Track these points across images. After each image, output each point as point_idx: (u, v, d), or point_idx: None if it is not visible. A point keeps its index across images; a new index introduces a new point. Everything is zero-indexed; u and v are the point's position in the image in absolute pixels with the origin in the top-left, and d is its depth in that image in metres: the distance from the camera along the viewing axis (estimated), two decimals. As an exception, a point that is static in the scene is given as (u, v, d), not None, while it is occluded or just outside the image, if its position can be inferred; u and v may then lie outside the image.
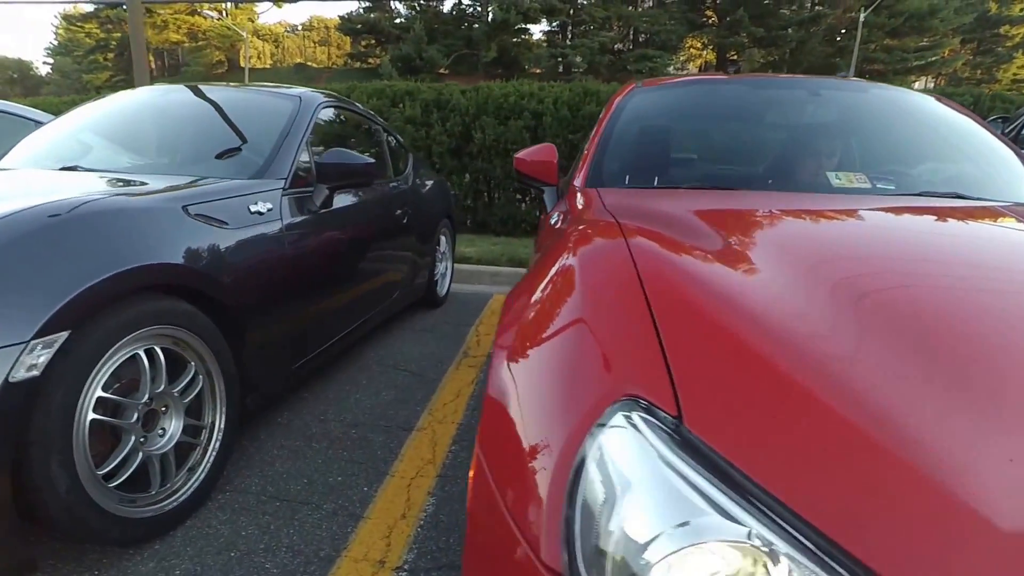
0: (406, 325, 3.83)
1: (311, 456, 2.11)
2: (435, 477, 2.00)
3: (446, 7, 42.34)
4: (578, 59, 33.83)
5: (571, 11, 34.58)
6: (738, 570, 0.52)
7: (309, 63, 63.73)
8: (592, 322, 0.84)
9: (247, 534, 1.66)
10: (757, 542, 0.52)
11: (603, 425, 0.65)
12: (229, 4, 48.66)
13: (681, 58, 43.68)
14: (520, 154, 2.26)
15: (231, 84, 3.31)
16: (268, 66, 61.82)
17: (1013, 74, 42.65)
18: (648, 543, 0.54)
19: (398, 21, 39.82)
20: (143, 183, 1.93)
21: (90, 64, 43.61)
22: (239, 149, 2.46)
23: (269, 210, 2.16)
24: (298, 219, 2.32)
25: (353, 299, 2.87)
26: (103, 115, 2.85)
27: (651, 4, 38.49)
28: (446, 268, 4.62)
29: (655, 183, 1.85)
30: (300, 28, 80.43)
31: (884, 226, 1.35)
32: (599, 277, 0.98)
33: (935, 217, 1.42)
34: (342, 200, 2.70)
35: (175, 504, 1.65)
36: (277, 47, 74.74)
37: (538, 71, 37.51)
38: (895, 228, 1.36)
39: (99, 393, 1.42)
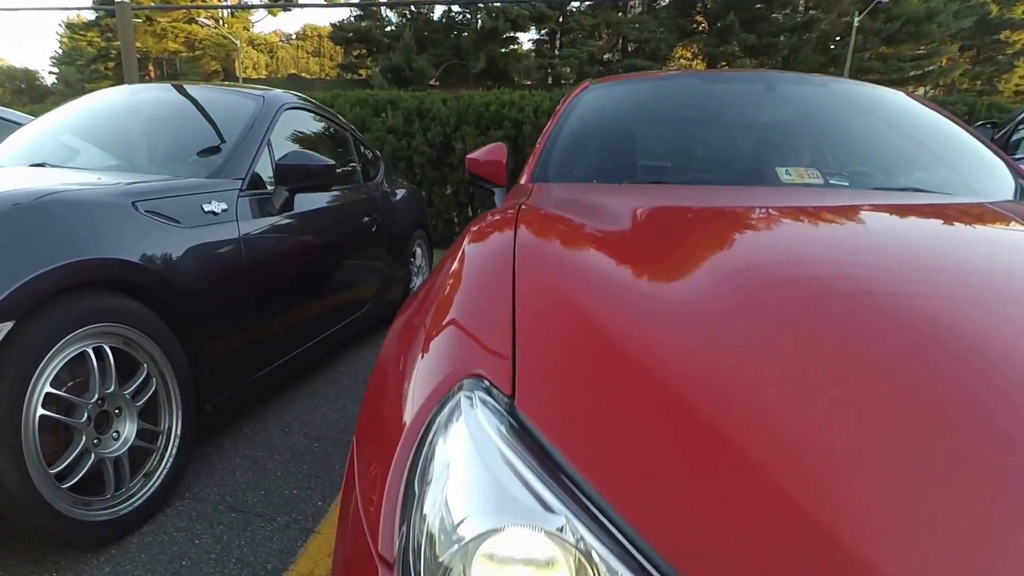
0: (377, 339, 3.87)
1: (271, 468, 2.17)
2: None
3: (436, 14, 42.89)
4: (567, 69, 34.07)
5: (559, 19, 34.85)
6: (545, 559, 0.52)
7: (302, 73, 64.13)
8: (459, 304, 0.86)
9: (200, 543, 1.72)
10: (568, 535, 0.51)
11: (443, 405, 0.65)
12: (225, 12, 49.09)
13: (672, 68, 44.19)
14: (472, 154, 2.26)
15: (201, 84, 3.38)
16: (263, 76, 62.14)
17: (1015, 85, 41.81)
18: (457, 525, 0.54)
19: (388, 29, 40.12)
20: (99, 180, 1.97)
21: (92, 73, 43.70)
22: (217, 149, 2.52)
23: (224, 211, 2.19)
24: (255, 222, 2.36)
25: (318, 309, 2.92)
26: (77, 114, 2.93)
27: (641, 11, 38.80)
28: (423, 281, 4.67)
29: (596, 179, 1.88)
30: (294, 37, 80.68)
31: (806, 222, 1.29)
32: (475, 261, 0.99)
33: (867, 214, 1.38)
34: (304, 204, 2.73)
35: (130, 509, 1.71)
36: (272, 57, 74.98)
37: (528, 82, 37.79)
38: (816, 224, 1.29)
39: (48, 389, 1.48)
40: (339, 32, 42.30)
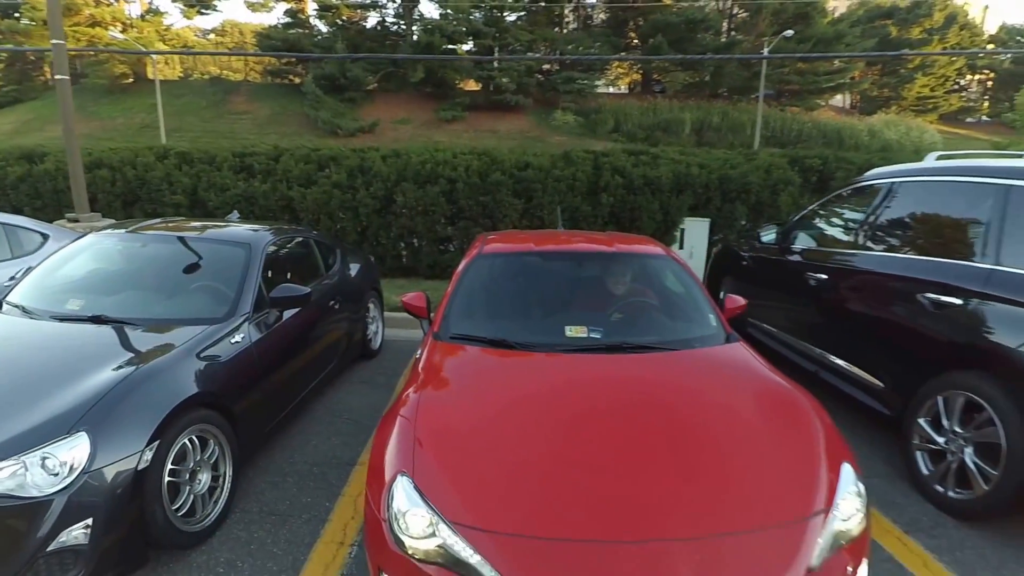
0: (347, 378, 5.21)
1: (287, 486, 3.44)
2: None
3: (369, 23, 43.59)
4: (506, 80, 35.51)
5: (496, 34, 36.24)
6: (422, 524, 1.93)
7: (225, 74, 62.95)
8: (397, 424, 2.32)
9: (257, 535, 2.98)
10: (423, 511, 1.96)
11: (395, 477, 2.09)
12: (134, 16, 48.15)
13: (610, 77, 46.37)
14: (405, 297, 3.75)
15: (192, 228, 4.53)
16: (179, 77, 60.46)
17: (916, 93, 47.19)
18: (405, 512, 1.97)
19: (319, 39, 40.50)
20: (167, 343, 3.12)
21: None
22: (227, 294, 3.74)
23: (243, 338, 3.49)
24: (261, 335, 3.66)
25: (304, 371, 4.21)
26: (97, 265, 4.08)
27: (576, 27, 40.75)
28: (377, 327, 6.00)
29: (465, 333, 3.17)
30: (212, 34, 78.58)
31: (569, 364, 2.88)
32: (405, 400, 2.51)
33: (598, 361, 2.93)
34: (289, 312, 4.03)
35: (211, 521, 2.95)
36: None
37: (474, 87, 39.07)
38: (567, 368, 2.86)
39: (170, 466, 2.71)
40: (266, 40, 42.43)
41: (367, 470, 2.31)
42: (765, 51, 30.07)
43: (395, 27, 42.71)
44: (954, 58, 47.30)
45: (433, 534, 1.90)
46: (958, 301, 3.40)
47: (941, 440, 3.38)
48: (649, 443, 2.28)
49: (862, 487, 2.16)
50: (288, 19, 43.13)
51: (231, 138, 36.38)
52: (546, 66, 39.55)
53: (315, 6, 41.68)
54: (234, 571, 2.72)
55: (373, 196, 8.75)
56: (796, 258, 5.15)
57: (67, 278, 3.94)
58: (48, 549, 2.25)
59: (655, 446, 2.27)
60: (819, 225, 5.20)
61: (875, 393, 4.00)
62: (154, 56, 42.53)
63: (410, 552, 1.91)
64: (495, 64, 37.59)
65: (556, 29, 39.42)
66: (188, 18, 48.60)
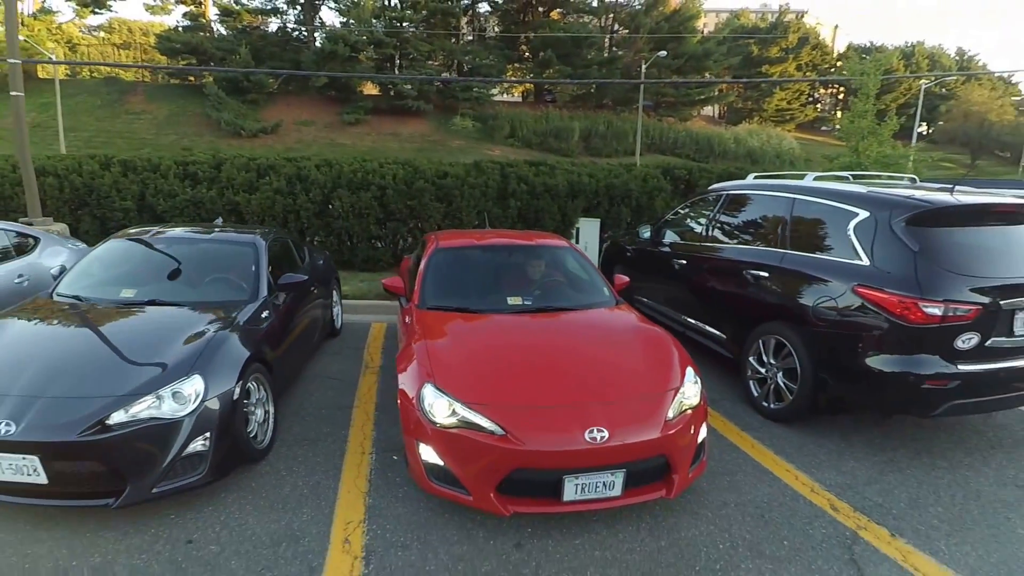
0: (322, 351, 6.24)
1: (309, 423, 4.49)
2: (372, 423, 4.50)
3: (271, 28, 42.94)
4: (408, 87, 36.29)
5: (397, 43, 36.90)
6: (458, 420, 3.13)
7: (115, 72, 59.47)
8: (416, 357, 3.53)
9: (299, 453, 4.04)
10: (445, 398, 3.19)
11: (426, 384, 3.31)
12: (26, 14, 45.07)
13: (504, 86, 48.02)
14: (385, 281, 4.94)
15: (202, 231, 5.46)
16: (65, 75, 56.54)
17: (776, 105, 52.03)
18: (432, 404, 3.20)
19: (221, 43, 39.53)
20: (222, 316, 4.11)
21: None
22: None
23: (267, 314, 4.49)
24: (277, 311, 4.67)
25: (302, 340, 5.26)
26: (133, 262, 4.96)
27: (472, 39, 42.05)
28: (338, 310, 7.03)
29: (439, 304, 4.40)
30: (99, 31, 73.59)
31: (515, 321, 4.18)
32: (414, 345, 3.70)
33: (540, 318, 4.26)
34: (289, 294, 5.05)
35: (267, 444, 3.99)
36: (73, 52, 68.10)
37: (375, 92, 39.43)
38: (518, 321, 4.18)
39: (244, 403, 3.75)
40: (167, 43, 40.93)
41: (399, 392, 3.47)
42: (643, 67, 32.45)
43: (295, 32, 42.41)
44: (807, 73, 52.50)
45: (453, 412, 3.12)
46: (766, 274, 4.96)
47: (763, 371, 4.90)
48: (572, 358, 3.69)
49: (699, 380, 3.57)
50: (188, 22, 41.84)
51: (129, 138, 35.16)
52: (445, 73, 40.68)
53: (216, 11, 40.73)
54: (292, 475, 3.77)
55: (312, 201, 9.63)
56: (665, 249, 6.65)
57: (108, 274, 4.77)
58: (183, 454, 3.23)
59: (576, 359, 3.68)
60: (679, 224, 6.72)
61: (721, 343, 5.51)
62: (51, 57, 40.17)
63: (439, 425, 3.11)
64: (396, 71, 38.26)
65: (453, 40, 40.51)
66: (82, 17, 46.00)
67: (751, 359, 5.03)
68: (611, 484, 3.07)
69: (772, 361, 4.81)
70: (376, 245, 10.01)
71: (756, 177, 6.07)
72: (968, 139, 51.68)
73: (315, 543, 3.10)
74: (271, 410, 4.13)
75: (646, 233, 7.09)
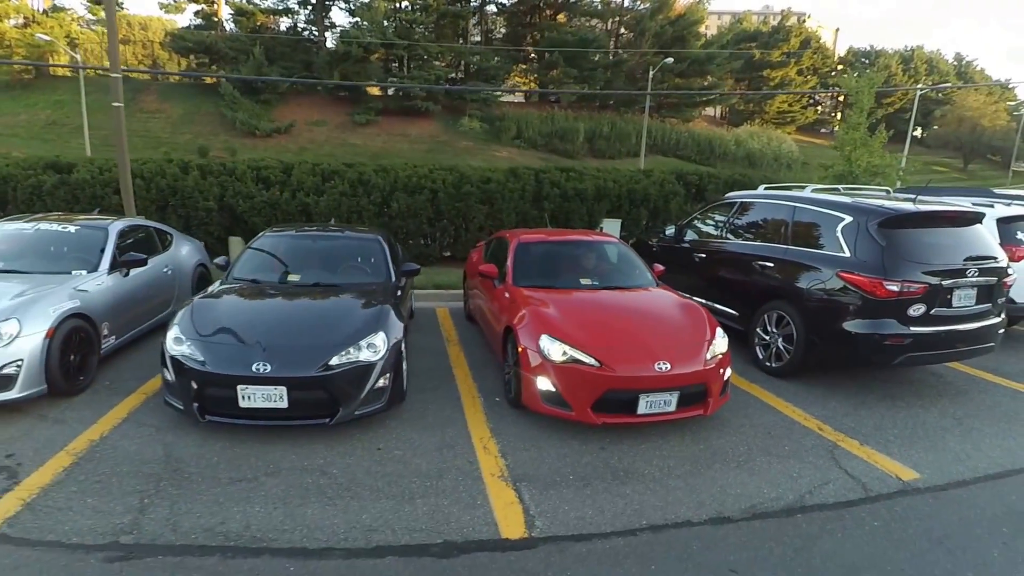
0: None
1: (424, 379, 5.94)
2: (471, 378, 6.01)
3: (282, 27, 44.42)
4: (415, 84, 37.79)
5: (407, 45, 38.39)
6: (560, 351, 4.67)
7: (130, 72, 60.66)
8: (528, 318, 5.09)
9: (425, 397, 5.54)
10: (560, 346, 4.71)
11: (542, 335, 4.83)
12: (39, 10, 46.37)
13: (509, 86, 49.59)
14: (481, 267, 6.44)
15: (334, 228, 6.97)
16: (71, 74, 57.64)
17: (777, 107, 53.75)
18: (549, 348, 4.72)
19: (232, 38, 40.92)
20: (378, 292, 5.61)
21: None
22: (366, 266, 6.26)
23: (400, 293, 6.02)
24: (401, 291, 6.20)
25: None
26: (287, 252, 6.39)
27: (479, 40, 43.57)
28: (411, 296, 8.49)
29: (530, 283, 5.92)
30: (98, 26, 74.44)
31: (591, 294, 5.76)
32: (518, 306, 5.28)
33: (607, 293, 5.83)
34: (406, 280, 6.53)
35: (406, 388, 5.49)
36: (72, 47, 69.07)
37: (388, 93, 40.89)
38: (593, 295, 5.76)
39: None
40: (180, 41, 42.41)
41: (521, 353, 4.93)
42: (650, 72, 34.00)
43: (305, 32, 43.88)
44: (808, 77, 54.24)
45: (564, 353, 4.63)
46: (771, 264, 6.51)
47: (767, 338, 6.45)
48: (637, 318, 5.33)
49: (724, 335, 5.11)
50: (200, 21, 43.27)
51: (145, 137, 36.51)
52: (452, 75, 42.20)
53: (229, 11, 42.18)
54: (428, 410, 5.24)
55: (372, 203, 11.16)
56: (686, 245, 8.19)
57: (269, 262, 6.24)
58: (374, 388, 4.69)
59: (640, 319, 5.32)
60: (699, 225, 8.26)
61: (734, 319, 7.03)
62: (77, 59, 41.52)
63: (554, 362, 4.63)
64: (406, 73, 39.74)
65: (461, 42, 42.04)
66: (93, 15, 47.32)
67: (758, 330, 6.58)
68: (669, 402, 4.61)
69: (774, 330, 6.36)
70: (427, 242, 11.52)
71: (765, 187, 7.65)
72: (961, 144, 53.58)
73: (464, 448, 4.59)
74: (405, 366, 5.62)
75: (670, 231, 8.64)
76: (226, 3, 43.38)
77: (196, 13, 43.55)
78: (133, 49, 69.72)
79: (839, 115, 63.05)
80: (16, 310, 4.87)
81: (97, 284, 5.85)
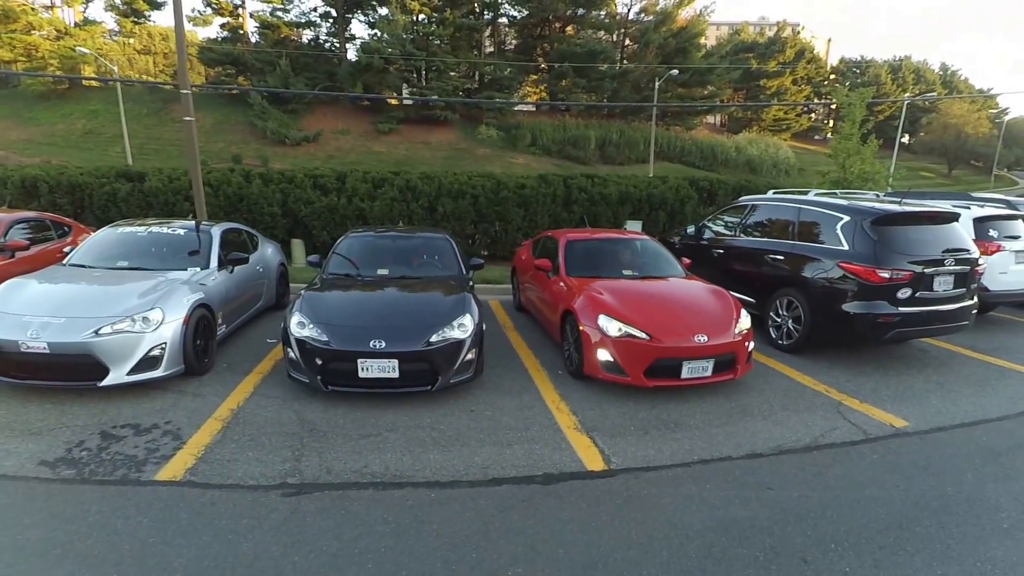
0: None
1: (492, 357, 6.78)
2: (534, 356, 6.93)
3: (305, 39, 45.35)
4: (435, 96, 38.73)
5: (425, 56, 39.33)
6: (621, 332, 5.58)
7: (142, 76, 61.61)
8: (586, 302, 6.00)
9: (500, 371, 6.49)
10: (617, 324, 5.62)
11: (600, 315, 5.76)
12: (71, 23, 47.33)
13: (519, 95, 50.55)
14: (537, 261, 7.41)
15: (406, 230, 7.88)
16: (98, 84, 58.54)
17: (773, 115, 54.69)
18: (607, 326, 5.66)
19: (258, 51, 41.80)
20: (457, 284, 6.59)
21: None
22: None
23: (471, 284, 6.94)
24: (471, 283, 7.10)
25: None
26: (369, 250, 7.27)
27: (492, 51, 44.49)
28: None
29: (580, 274, 6.87)
30: (120, 35, 75.08)
31: (634, 282, 6.67)
32: (575, 293, 6.20)
33: (644, 281, 6.78)
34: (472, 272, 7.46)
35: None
36: (95, 58, 69.66)
37: (409, 102, 41.83)
38: (636, 283, 6.67)
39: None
40: (208, 53, 43.39)
41: (581, 331, 5.83)
42: (656, 84, 34.91)
43: (327, 43, 44.84)
44: (803, 86, 55.15)
45: (620, 329, 5.54)
46: (781, 257, 7.43)
47: (779, 320, 7.37)
48: (676, 300, 6.24)
49: (748, 315, 6.02)
50: (227, 33, 44.25)
51: (179, 145, 37.30)
52: (467, 85, 43.14)
53: (255, 24, 43.14)
54: (503, 381, 6.14)
55: (420, 207, 12.09)
56: (705, 242, 9.11)
57: (358, 259, 7.13)
58: (464, 360, 5.57)
59: (679, 301, 6.23)
60: (716, 224, 9.17)
61: (751, 305, 7.93)
62: (115, 69, 42.42)
63: (612, 337, 5.54)
64: (423, 83, 40.67)
65: (475, 53, 42.97)
66: (123, 27, 48.34)
67: (771, 313, 7.49)
68: (706, 368, 5.53)
69: (784, 313, 7.28)
70: (471, 242, 12.44)
71: (775, 192, 8.57)
72: (946, 150, 54.44)
73: (540, 409, 5.49)
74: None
75: (691, 230, 9.57)
76: (251, 16, 44.39)
77: (222, 26, 44.45)
78: (155, 60, 70.69)
79: (831, 123, 63.96)
80: (158, 300, 5.63)
81: (212, 279, 6.65)
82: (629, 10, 44.75)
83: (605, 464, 4.44)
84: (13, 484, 3.95)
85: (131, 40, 74.07)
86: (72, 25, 48.28)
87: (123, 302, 5.56)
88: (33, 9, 43.27)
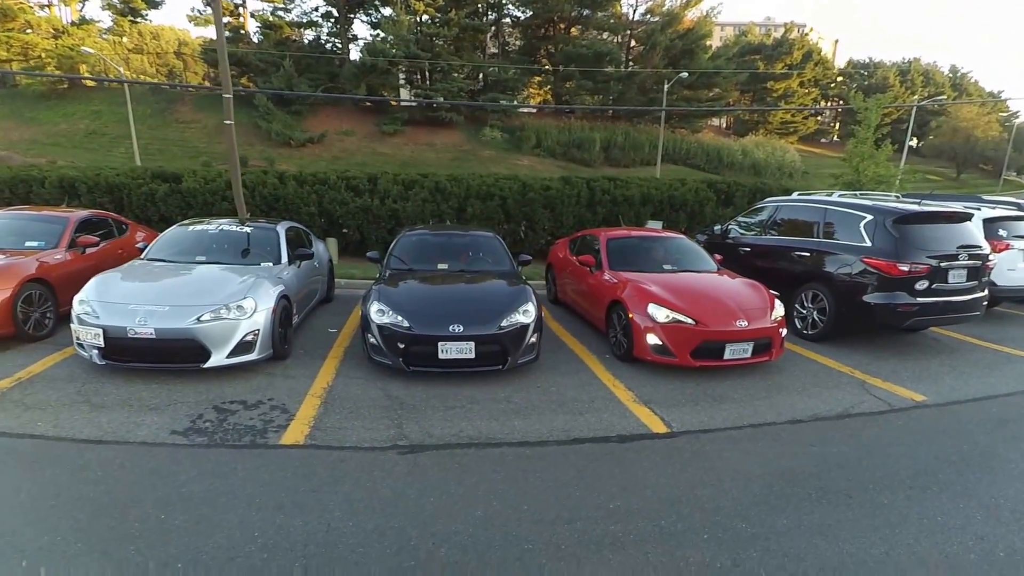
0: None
1: (548, 343, 7.57)
2: (581, 344, 7.74)
3: (306, 39, 46.15)
4: (440, 97, 39.59)
5: (430, 57, 40.17)
6: (661, 313, 6.45)
7: (140, 75, 62.28)
8: (634, 294, 6.85)
9: (555, 355, 7.31)
10: (662, 310, 6.47)
11: (649, 303, 6.60)
12: (66, 22, 47.95)
13: (522, 97, 51.49)
14: (580, 257, 8.26)
15: (458, 228, 8.70)
16: (94, 84, 59.10)
17: (780, 118, 55.63)
18: (655, 313, 6.51)
19: (261, 51, 42.49)
20: (511, 277, 7.44)
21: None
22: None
23: (518, 277, 7.75)
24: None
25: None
26: (426, 246, 8.08)
27: (495, 52, 45.42)
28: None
29: (623, 268, 7.70)
30: (110, 33, 75.46)
31: (674, 275, 7.54)
32: (622, 286, 7.06)
33: (685, 274, 7.66)
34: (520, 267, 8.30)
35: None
36: (98, 58, 70.18)
37: (412, 103, 42.66)
38: (676, 275, 7.54)
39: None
40: (211, 53, 44.01)
41: (631, 318, 6.64)
42: (666, 86, 35.85)
43: (328, 43, 45.63)
44: (810, 89, 56.22)
45: (668, 315, 6.37)
46: (808, 253, 8.28)
47: (804, 312, 8.21)
48: (714, 290, 7.04)
49: (781, 305, 6.87)
50: (228, 33, 44.95)
51: (183, 146, 38.22)
52: (471, 86, 44.00)
53: (256, 24, 43.94)
54: (560, 364, 6.95)
55: (451, 208, 12.90)
56: (731, 240, 9.97)
57: (415, 254, 7.90)
58: (529, 343, 6.34)
59: (717, 290, 7.02)
60: (741, 224, 10.03)
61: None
62: (117, 68, 42.96)
63: (661, 323, 6.37)
64: (428, 84, 41.49)
65: (479, 54, 43.88)
66: (120, 27, 49.04)
67: (796, 305, 8.33)
68: (746, 350, 6.37)
69: (810, 305, 8.13)
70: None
71: (799, 194, 9.45)
72: (955, 154, 55.52)
73: (599, 386, 6.29)
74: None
75: (717, 228, 10.44)
76: (252, 16, 45.19)
77: (223, 25, 45.02)
78: (147, 58, 71.39)
79: (837, 126, 65.01)
80: (249, 291, 6.29)
81: (286, 273, 7.37)
82: (635, 11, 45.90)
83: (667, 428, 5.25)
84: (155, 449, 4.54)
85: (123, 39, 75.00)
86: (69, 24, 48.97)
87: (217, 292, 6.25)
88: (30, 8, 43.78)
